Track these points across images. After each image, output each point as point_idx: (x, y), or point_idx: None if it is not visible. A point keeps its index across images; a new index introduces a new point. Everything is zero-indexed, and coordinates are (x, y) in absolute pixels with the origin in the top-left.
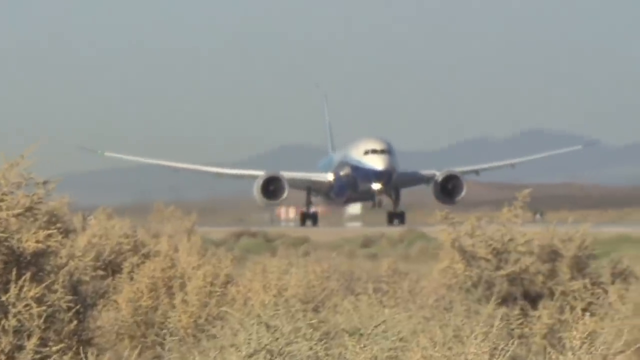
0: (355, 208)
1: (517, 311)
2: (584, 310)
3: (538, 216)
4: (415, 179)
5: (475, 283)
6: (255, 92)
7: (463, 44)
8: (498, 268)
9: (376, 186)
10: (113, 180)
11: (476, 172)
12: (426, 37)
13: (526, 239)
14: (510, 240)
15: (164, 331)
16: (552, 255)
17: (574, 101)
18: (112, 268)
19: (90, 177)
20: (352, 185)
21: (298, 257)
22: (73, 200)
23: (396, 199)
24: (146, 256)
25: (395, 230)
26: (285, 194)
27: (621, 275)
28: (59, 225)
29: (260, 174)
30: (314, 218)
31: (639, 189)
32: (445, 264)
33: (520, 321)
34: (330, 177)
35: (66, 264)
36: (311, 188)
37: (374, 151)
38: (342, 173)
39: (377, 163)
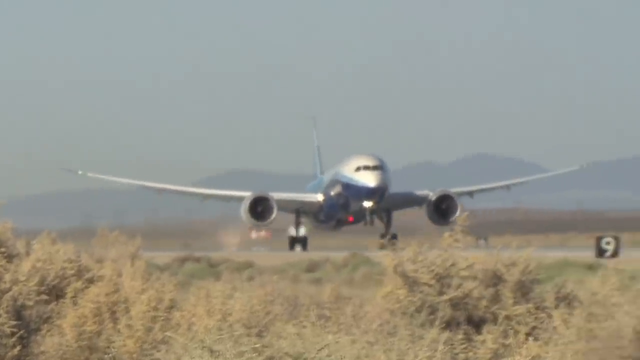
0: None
1: (460, 336)
2: (527, 334)
3: (482, 241)
4: (408, 200)
5: (419, 308)
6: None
7: (409, 71)
8: (441, 293)
9: (368, 204)
10: (57, 205)
11: (470, 194)
12: (371, 64)
13: (468, 263)
14: (452, 265)
15: (108, 356)
16: (496, 279)
17: (517, 126)
18: (56, 293)
19: (34, 201)
20: (344, 205)
21: (242, 282)
22: (16, 225)
23: (388, 222)
24: (90, 281)
25: (340, 255)
26: (274, 215)
27: (565, 300)
28: (2, 250)
29: (247, 194)
30: (303, 242)
31: (582, 213)
32: (389, 289)
33: (464, 346)
34: (319, 197)
35: (10, 289)
36: (300, 210)
37: (366, 167)
38: (332, 193)
39: (369, 179)
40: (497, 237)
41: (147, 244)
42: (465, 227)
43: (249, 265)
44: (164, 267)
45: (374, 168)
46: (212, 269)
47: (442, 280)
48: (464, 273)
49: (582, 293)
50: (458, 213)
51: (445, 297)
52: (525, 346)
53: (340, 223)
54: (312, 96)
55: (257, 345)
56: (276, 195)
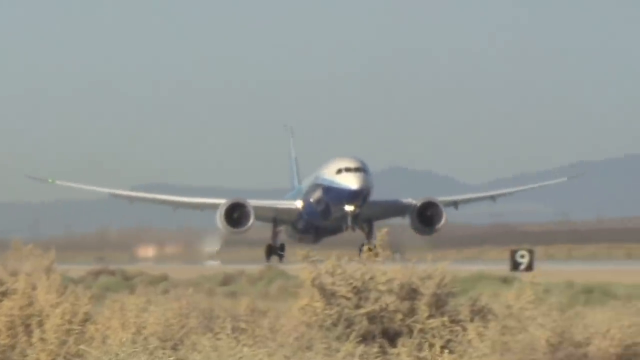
0: (213, 245)
1: (376, 349)
2: (442, 347)
3: (397, 255)
4: (392, 208)
5: (335, 321)
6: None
7: (327, 83)
8: (358, 306)
9: (350, 208)
10: None
11: (455, 204)
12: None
13: (387, 277)
14: (371, 278)
15: None
16: (412, 293)
17: (430, 139)
18: None
19: None
20: (324, 211)
21: (157, 295)
22: None
23: (369, 232)
24: (4, 294)
25: (255, 268)
26: (250, 222)
27: (480, 313)
28: None
29: (222, 201)
30: (280, 251)
31: (496, 226)
32: (305, 302)
33: (379, 359)
34: (298, 204)
35: None
36: (277, 219)
37: (348, 169)
38: (312, 198)
39: (351, 181)
40: (413, 250)
41: (62, 257)
42: (384, 241)
43: (163, 278)
44: (78, 280)
45: (356, 170)
46: (127, 282)
47: (360, 293)
48: (381, 287)
49: (497, 306)
50: (443, 221)
51: (362, 310)
52: (440, 359)
53: (320, 233)
54: (288, 105)
55: (171, 359)
56: (253, 202)
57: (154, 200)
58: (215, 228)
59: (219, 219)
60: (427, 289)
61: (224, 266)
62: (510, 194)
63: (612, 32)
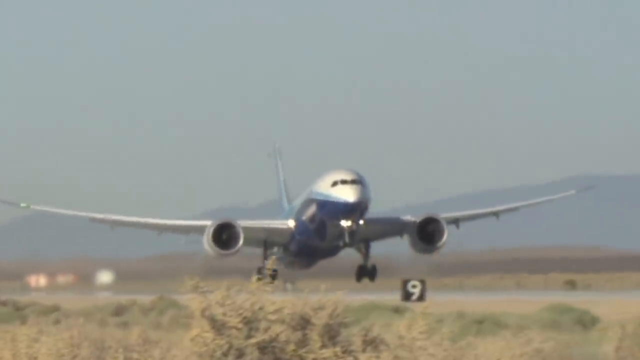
0: (106, 276)
1: None
2: None
3: (288, 285)
4: (391, 227)
5: (226, 352)
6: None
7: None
8: (249, 337)
9: (347, 223)
10: None
11: (456, 222)
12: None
13: (276, 307)
14: (261, 308)
15: None
16: (304, 323)
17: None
18: None
19: None
20: (319, 228)
21: (48, 325)
22: None
23: (366, 252)
24: None
25: (147, 298)
26: (240, 243)
27: (372, 343)
28: None
29: (209, 222)
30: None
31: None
32: (196, 332)
33: None
34: (290, 223)
35: None
36: (268, 241)
37: (344, 182)
38: (305, 216)
39: (348, 194)
40: (306, 280)
41: None
42: (274, 271)
43: (55, 308)
44: None
45: (353, 182)
46: (18, 312)
47: (250, 323)
48: (271, 317)
49: (389, 336)
50: (445, 238)
51: (252, 340)
52: None
53: (314, 255)
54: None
55: None
56: (242, 222)
57: (136, 224)
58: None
59: (207, 241)
60: (320, 319)
61: (116, 296)
62: (515, 209)
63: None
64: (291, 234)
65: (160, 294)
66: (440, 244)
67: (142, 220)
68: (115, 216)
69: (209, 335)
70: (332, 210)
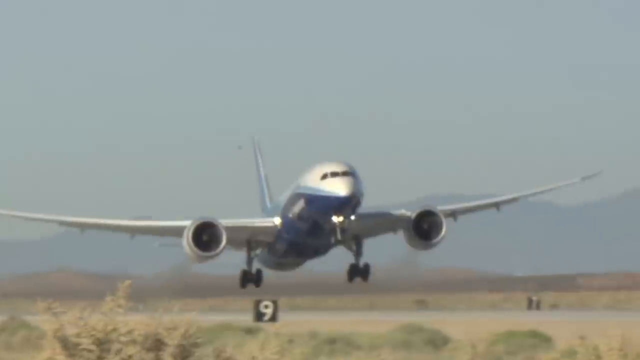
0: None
1: None
2: None
3: (141, 305)
4: (384, 222)
5: None
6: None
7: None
8: (100, 358)
9: (338, 219)
10: None
11: (453, 214)
12: None
13: (129, 328)
14: (114, 330)
15: None
16: (157, 344)
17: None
18: None
19: None
20: (307, 225)
21: None
22: None
23: (358, 249)
24: None
25: None
26: (222, 244)
27: None
28: None
29: (188, 223)
30: (257, 279)
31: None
32: (47, 354)
33: None
34: (276, 221)
35: None
36: (251, 240)
37: (334, 174)
38: (292, 213)
39: (339, 187)
40: (157, 301)
41: None
42: (127, 292)
43: None
44: None
45: (344, 174)
46: None
47: (102, 345)
48: (124, 338)
49: (242, 357)
50: (443, 233)
51: None
52: None
53: (302, 255)
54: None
55: None
56: (224, 221)
57: (108, 227)
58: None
59: (187, 242)
60: (173, 340)
61: None
62: (515, 199)
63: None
64: (277, 232)
65: (11, 315)
66: (438, 239)
67: (114, 222)
68: (85, 219)
69: (61, 357)
70: (322, 205)
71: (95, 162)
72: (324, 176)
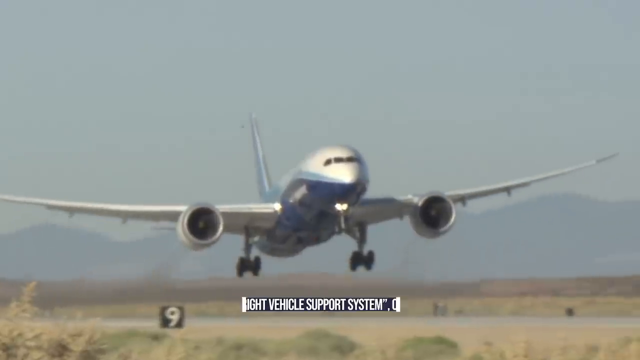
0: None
1: None
2: None
3: (48, 312)
4: (389, 209)
5: None
6: None
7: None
8: None
9: (342, 207)
10: None
11: (462, 200)
12: None
13: (35, 333)
14: (20, 335)
15: None
16: (61, 349)
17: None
18: None
19: None
20: (309, 213)
21: None
22: None
23: (362, 237)
24: None
25: None
26: (219, 231)
27: None
28: None
29: (183, 208)
30: (255, 266)
31: (146, 282)
32: None
33: None
34: (276, 206)
35: None
36: (249, 227)
37: (338, 160)
38: (293, 199)
39: (343, 174)
40: (62, 308)
41: None
42: (32, 297)
43: None
44: None
45: (349, 160)
46: None
47: (8, 350)
48: (30, 343)
49: None
50: (453, 219)
51: None
52: None
53: (301, 242)
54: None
55: None
56: (221, 207)
57: (99, 211)
58: None
59: (181, 228)
60: (78, 346)
61: None
62: (525, 184)
63: None
64: (277, 219)
65: None
66: (447, 226)
67: (105, 206)
68: (75, 203)
69: None
70: (325, 192)
71: (95, 162)
72: (328, 162)
